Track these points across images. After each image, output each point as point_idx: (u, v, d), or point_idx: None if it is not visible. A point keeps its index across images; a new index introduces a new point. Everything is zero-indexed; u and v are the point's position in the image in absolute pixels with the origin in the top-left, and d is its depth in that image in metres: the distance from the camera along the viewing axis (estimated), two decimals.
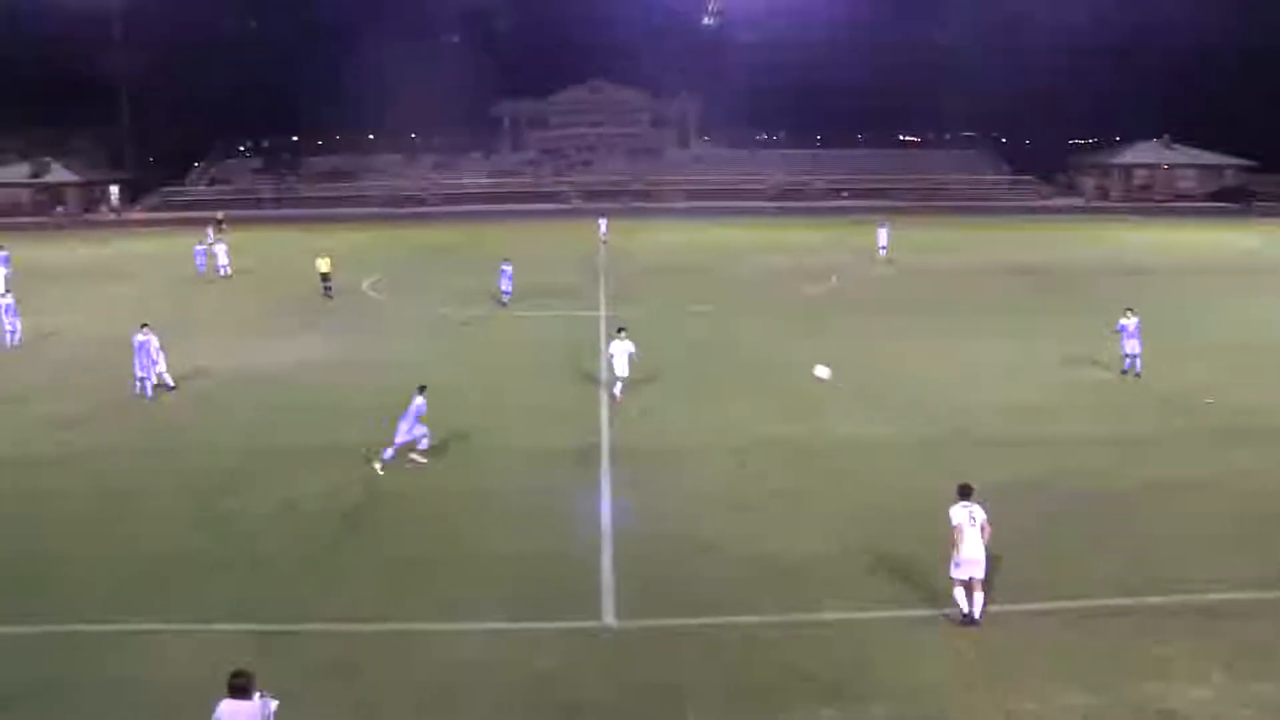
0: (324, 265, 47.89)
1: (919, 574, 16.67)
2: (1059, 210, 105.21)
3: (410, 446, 22.25)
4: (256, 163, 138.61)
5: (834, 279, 51.68)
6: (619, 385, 27.88)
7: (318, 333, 38.97)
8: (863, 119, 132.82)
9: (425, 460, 22.44)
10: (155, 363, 29.14)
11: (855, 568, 17.16)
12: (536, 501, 20.53)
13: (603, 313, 41.65)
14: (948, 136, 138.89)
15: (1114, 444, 24.02)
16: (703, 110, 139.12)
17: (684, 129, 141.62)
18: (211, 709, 10.39)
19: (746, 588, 16.46)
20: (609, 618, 15.58)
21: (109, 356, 32.60)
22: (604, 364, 28.61)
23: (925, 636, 15.01)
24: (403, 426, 21.93)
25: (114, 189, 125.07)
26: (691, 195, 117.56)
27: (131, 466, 23.23)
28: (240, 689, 10.40)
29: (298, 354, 35.08)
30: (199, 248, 57.93)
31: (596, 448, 23.86)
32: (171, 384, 29.52)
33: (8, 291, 39.14)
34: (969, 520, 15.25)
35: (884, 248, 59.31)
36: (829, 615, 15.57)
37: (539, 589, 16.51)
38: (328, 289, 47.56)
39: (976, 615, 15.16)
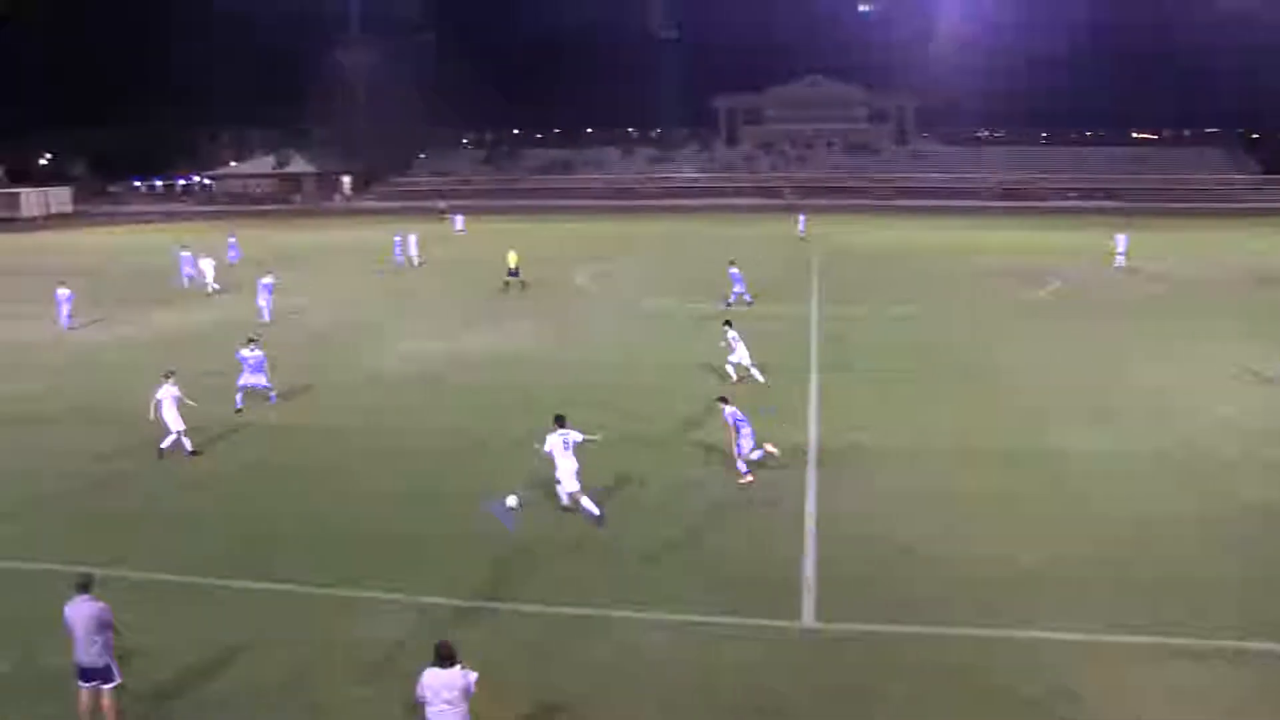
0: (512, 260, 49.08)
1: (1142, 598, 15.61)
2: None
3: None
4: (478, 154, 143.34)
5: (1056, 283, 49.58)
6: (753, 370, 29.07)
7: (525, 323, 39.71)
8: (1092, 115, 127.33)
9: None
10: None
11: (1069, 585, 16.17)
12: (740, 497, 20.32)
13: (815, 312, 41.14)
14: (1187, 133, 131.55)
15: None
16: (922, 106, 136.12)
17: (902, 125, 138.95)
18: (418, 674, 10.90)
19: (952, 598, 15.78)
20: (808, 618, 15.23)
21: (333, 339, 34.23)
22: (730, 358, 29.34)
23: (1142, 666, 13.94)
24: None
25: (346, 179, 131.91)
26: (908, 193, 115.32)
27: (347, 445, 24.20)
28: (444, 658, 10.83)
29: (506, 343, 35.93)
30: (397, 238, 60.45)
31: (804, 446, 23.47)
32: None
33: (269, 273, 42.14)
34: (562, 445, 18.50)
35: (1123, 254, 55.73)
36: (1036, 633, 14.69)
37: (738, 584, 16.28)
38: (515, 281, 48.44)
39: (596, 512, 18.31)
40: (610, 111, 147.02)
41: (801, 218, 75.07)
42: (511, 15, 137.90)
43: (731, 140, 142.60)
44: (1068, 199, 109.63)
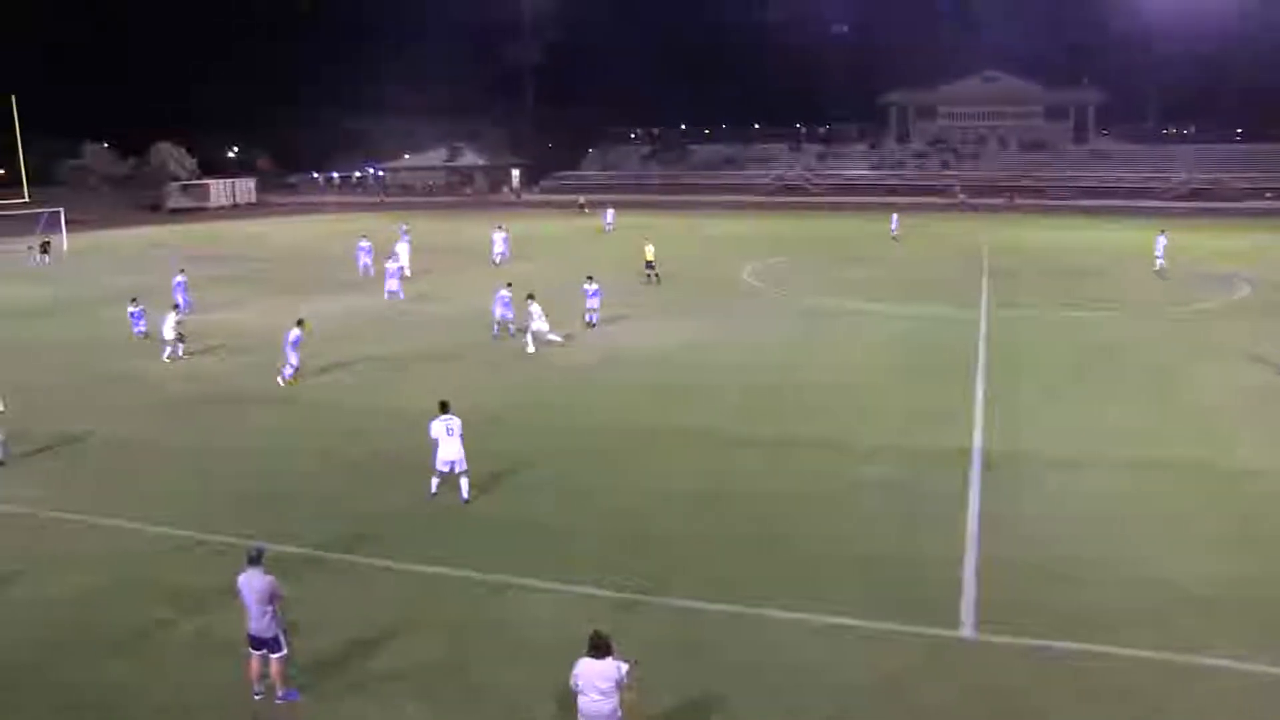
0: (649, 253, 49.98)
1: None
2: None
3: None
4: (645, 149, 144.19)
5: (1246, 288, 47.02)
6: (553, 336, 33.53)
7: (690, 319, 39.59)
8: None
9: None
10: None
11: (1255, 613, 15.18)
12: (901, 501, 19.86)
13: (984, 313, 40.01)
14: None
15: None
16: (1103, 102, 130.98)
17: (1081, 122, 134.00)
18: (573, 665, 11.01)
19: (1121, 616, 15.04)
20: (967, 629, 14.74)
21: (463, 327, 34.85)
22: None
23: None
24: None
25: (515, 172, 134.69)
26: (1086, 193, 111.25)
27: (512, 438, 24.50)
28: (598, 648, 10.92)
29: (669, 337, 35.96)
30: (496, 234, 59.99)
31: (968, 450, 22.78)
32: None
33: (402, 263, 46.39)
34: (445, 431, 19.30)
35: (1159, 257, 50.96)
36: (1213, 661, 13.82)
37: (894, 590, 15.91)
38: (651, 274, 48.67)
39: (465, 496, 19.55)
40: (778, 107, 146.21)
41: (894, 218, 74.60)
42: (681, 11, 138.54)
43: (902, 137, 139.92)
44: (1264, 199, 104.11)
